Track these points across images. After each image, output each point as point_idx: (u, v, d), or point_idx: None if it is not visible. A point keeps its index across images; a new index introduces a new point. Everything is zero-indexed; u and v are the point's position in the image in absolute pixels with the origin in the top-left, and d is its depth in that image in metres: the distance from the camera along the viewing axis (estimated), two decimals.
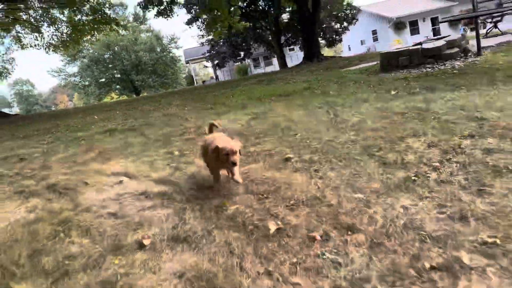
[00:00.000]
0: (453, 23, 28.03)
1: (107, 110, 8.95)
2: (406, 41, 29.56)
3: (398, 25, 33.41)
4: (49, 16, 16.10)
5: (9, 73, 19.00)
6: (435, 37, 7.57)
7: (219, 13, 16.00)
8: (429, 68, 5.90)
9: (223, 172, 2.52)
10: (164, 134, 4.30)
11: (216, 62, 35.68)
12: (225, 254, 1.68)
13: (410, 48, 6.70)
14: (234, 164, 2.16)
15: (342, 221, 1.84)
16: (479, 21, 7.11)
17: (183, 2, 21.69)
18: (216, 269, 1.56)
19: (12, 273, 1.68)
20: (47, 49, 15.98)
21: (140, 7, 15.72)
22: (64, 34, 15.64)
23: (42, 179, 3.00)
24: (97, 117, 7.44)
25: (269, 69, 35.75)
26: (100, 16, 13.69)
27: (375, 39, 36.05)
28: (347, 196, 2.10)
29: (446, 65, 5.86)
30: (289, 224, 1.89)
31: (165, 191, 2.46)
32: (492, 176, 2.07)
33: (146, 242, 1.83)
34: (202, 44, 33.35)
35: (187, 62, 43.44)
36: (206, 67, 45.40)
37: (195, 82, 40.65)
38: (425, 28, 32.84)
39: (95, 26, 14.03)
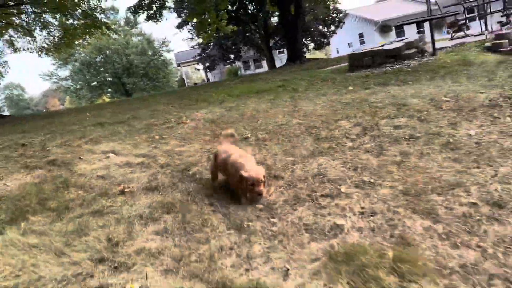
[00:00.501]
0: (437, 26, 28.99)
1: (99, 109, 9.53)
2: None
3: (383, 28, 34.41)
4: (41, 20, 16.59)
5: (2, 76, 19.42)
6: (398, 39, 8.27)
7: (207, 17, 16.65)
8: (389, 67, 6.61)
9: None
10: (148, 124, 4.92)
11: (207, 65, 36.31)
12: (184, 195, 2.33)
13: (374, 49, 7.42)
14: (260, 195, 2.07)
15: (272, 173, 2.50)
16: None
17: (173, 6, 22.33)
18: (175, 202, 2.21)
19: (27, 211, 2.30)
20: (39, 53, 16.50)
21: (130, 12, 16.33)
22: (56, 38, 16.16)
23: (43, 158, 3.61)
24: (89, 114, 8.02)
25: (259, 71, 36.42)
26: (91, 21, 14.27)
27: (362, 42, 36.99)
28: (281, 159, 2.75)
29: (404, 64, 6.58)
30: None
31: (143, 162, 3.10)
32: (391, 144, 2.74)
33: (126, 190, 2.47)
34: (193, 47, 33.98)
35: (178, 65, 44.07)
36: (198, 69, 45.97)
37: (186, 85, 41.16)
38: (410, 31, 33.82)
39: (87, 30, 14.60)
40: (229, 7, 28.96)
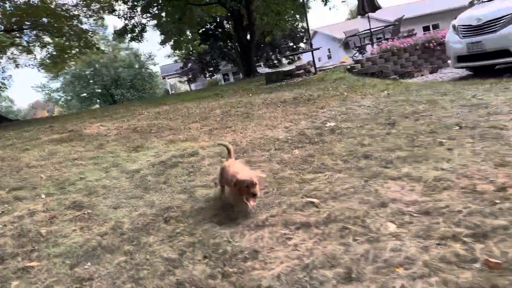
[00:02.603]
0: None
1: (91, 113, 12.80)
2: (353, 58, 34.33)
3: (346, 44, 38.41)
4: (41, 40, 19.85)
5: (6, 88, 22.58)
6: (296, 65, 11.82)
7: (181, 39, 20.14)
8: (285, 81, 10.03)
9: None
10: (124, 115, 8.20)
11: (189, 77, 39.82)
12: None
13: (277, 70, 10.87)
14: (255, 195, 2.21)
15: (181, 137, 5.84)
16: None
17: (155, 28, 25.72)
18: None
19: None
20: (39, 68, 19.71)
21: (116, 34, 19.72)
22: (54, 56, 19.42)
23: (62, 128, 6.86)
24: (85, 114, 11.30)
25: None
26: (84, 42, 17.53)
27: (329, 57, 40.91)
28: (185, 124, 6.09)
29: (294, 80, 10.02)
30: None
31: (119, 133, 6.39)
32: (244, 121, 6.08)
33: (112, 135, 5.77)
34: (176, 61, 37.41)
35: (163, 78, 47.41)
36: (181, 82, 49.36)
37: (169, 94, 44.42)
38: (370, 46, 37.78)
39: (81, 50, 17.86)
40: (208, 26, 32.69)
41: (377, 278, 1.55)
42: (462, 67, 7.90)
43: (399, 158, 2.88)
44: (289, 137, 4.11)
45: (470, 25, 7.19)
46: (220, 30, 33.26)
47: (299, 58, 39.88)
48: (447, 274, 1.48)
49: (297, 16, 25.09)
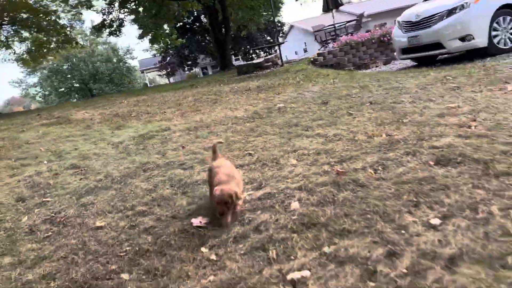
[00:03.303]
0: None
1: (74, 104, 13.45)
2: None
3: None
4: (19, 35, 20.13)
5: None
6: (264, 56, 12.81)
7: (158, 33, 20.77)
8: (255, 73, 11.00)
9: None
10: (106, 104, 8.99)
11: (168, 71, 40.23)
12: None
13: (247, 63, 11.83)
14: (221, 214, 2.14)
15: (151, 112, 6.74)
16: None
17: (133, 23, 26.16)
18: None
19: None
20: (18, 63, 20.00)
21: (94, 30, 20.18)
22: (33, 50, 19.76)
23: (50, 115, 7.62)
24: (68, 104, 11.97)
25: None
26: (63, 37, 17.98)
27: (305, 50, 42.13)
28: (158, 108, 6.99)
29: (263, 71, 11.00)
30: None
31: (103, 117, 7.21)
32: (212, 105, 7.02)
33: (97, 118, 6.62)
34: (154, 55, 37.74)
35: (142, 71, 47.58)
36: (160, 75, 49.59)
37: None
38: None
39: (60, 45, 18.30)
40: (186, 20, 33.24)
41: (276, 185, 2.56)
42: (406, 58, 9.03)
43: (318, 125, 3.91)
44: (245, 116, 5.08)
45: (410, 21, 8.30)
46: (197, 24, 33.85)
47: (276, 51, 40.83)
48: (313, 179, 2.50)
49: (270, 10, 25.99)
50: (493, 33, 7.20)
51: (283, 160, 3.02)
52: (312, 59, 11.23)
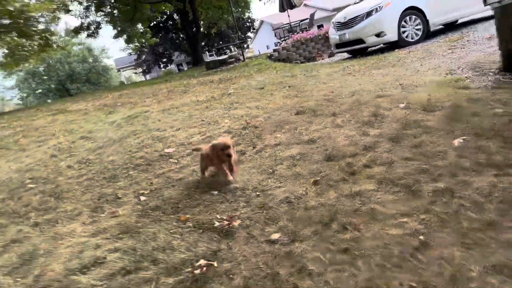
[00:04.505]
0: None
1: (62, 101, 14.99)
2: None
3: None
4: (1, 39, 21.20)
5: None
6: (232, 53, 14.71)
7: (133, 33, 22.26)
8: (220, 68, 12.87)
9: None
10: (93, 99, 10.67)
11: (144, 69, 41.48)
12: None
13: (214, 59, 13.71)
14: (229, 156, 2.44)
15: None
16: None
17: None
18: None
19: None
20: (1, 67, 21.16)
21: (72, 33, 21.52)
22: (15, 55, 20.91)
23: (49, 109, 9.29)
24: (56, 102, 13.54)
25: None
26: (44, 41, 19.26)
27: (276, 44, 44.08)
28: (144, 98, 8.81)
29: (228, 66, 12.88)
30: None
31: (95, 107, 8.95)
32: (181, 94, 8.86)
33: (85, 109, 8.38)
34: (130, 54, 38.95)
35: (118, 70, 48.53)
36: (136, 73, 50.66)
37: None
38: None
39: (41, 49, 19.57)
40: (159, 19, 34.64)
41: (213, 132, 4.51)
42: (338, 52, 11.11)
43: (249, 101, 5.85)
44: (204, 100, 6.99)
45: (340, 22, 10.37)
46: (170, 22, 35.26)
47: (248, 47, 42.69)
48: (234, 127, 4.46)
49: (239, 8, 27.87)
50: (402, 29, 9.30)
51: (221, 120, 4.96)
52: (269, 54, 13.19)
